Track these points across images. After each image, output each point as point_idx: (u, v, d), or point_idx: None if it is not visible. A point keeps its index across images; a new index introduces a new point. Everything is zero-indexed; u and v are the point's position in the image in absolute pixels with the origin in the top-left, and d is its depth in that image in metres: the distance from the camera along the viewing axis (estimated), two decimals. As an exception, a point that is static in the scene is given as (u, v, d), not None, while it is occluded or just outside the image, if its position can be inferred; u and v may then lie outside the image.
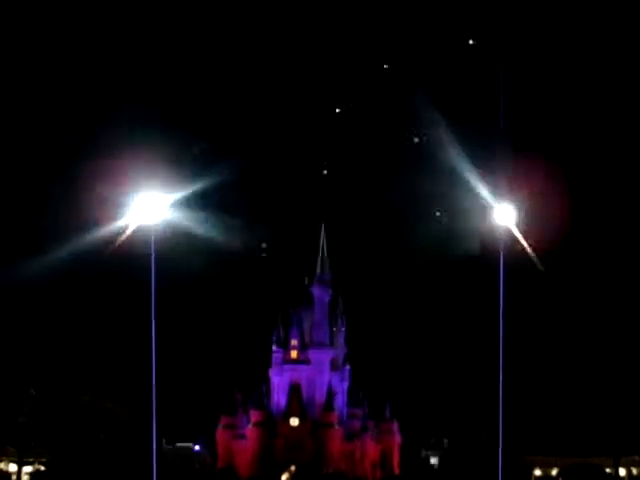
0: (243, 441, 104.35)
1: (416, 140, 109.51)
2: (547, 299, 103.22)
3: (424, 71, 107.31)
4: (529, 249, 61.30)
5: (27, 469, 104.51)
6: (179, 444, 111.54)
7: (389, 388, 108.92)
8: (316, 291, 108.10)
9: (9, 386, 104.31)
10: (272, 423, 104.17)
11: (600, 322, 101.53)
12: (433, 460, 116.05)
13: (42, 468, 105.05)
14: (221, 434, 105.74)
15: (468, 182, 79.18)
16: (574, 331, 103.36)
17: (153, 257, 51.81)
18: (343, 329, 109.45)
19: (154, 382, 51.55)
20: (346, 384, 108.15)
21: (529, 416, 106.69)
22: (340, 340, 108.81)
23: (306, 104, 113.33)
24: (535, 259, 66.54)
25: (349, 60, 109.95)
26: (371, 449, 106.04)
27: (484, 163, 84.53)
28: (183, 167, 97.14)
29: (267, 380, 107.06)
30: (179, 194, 61.15)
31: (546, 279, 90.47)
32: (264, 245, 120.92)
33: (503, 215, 54.03)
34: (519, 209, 54.27)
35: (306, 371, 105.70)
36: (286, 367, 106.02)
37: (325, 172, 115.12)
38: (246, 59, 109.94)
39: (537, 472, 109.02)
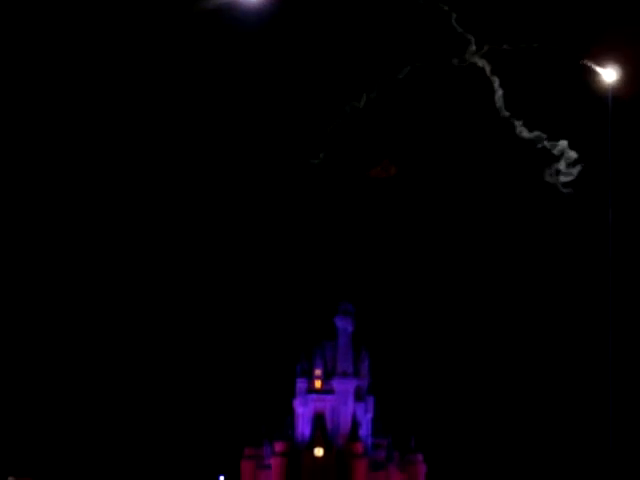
0: (268, 471, 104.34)
1: None
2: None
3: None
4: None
5: None
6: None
7: (413, 418, 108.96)
8: (339, 322, 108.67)
9: None
10: (297, 453, 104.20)
11: None
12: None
13: None
14: (246, 465, 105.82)
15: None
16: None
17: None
18: (366, 359, 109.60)
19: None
20: (370, 414, 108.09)
21: (557, 446, 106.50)
22: (364, 370, 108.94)
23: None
24: None
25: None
26: None
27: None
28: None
29: (291, 410, 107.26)
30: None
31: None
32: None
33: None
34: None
35: (330, 401, 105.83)
36: (310, 397, 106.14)
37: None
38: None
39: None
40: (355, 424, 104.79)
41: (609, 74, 60.99)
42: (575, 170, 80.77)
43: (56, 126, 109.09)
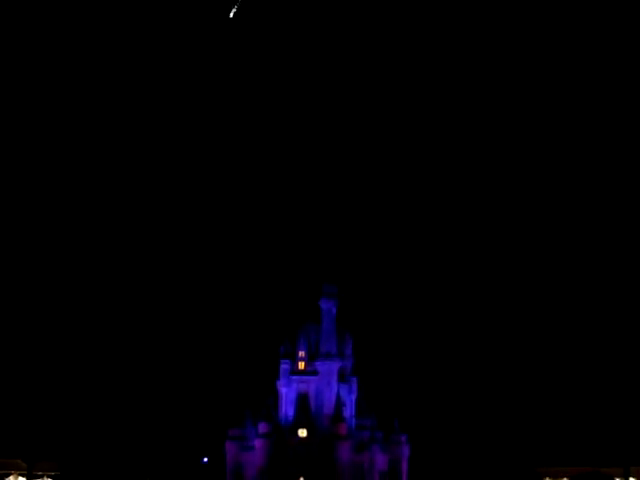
0: (251, 453, 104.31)
1: None
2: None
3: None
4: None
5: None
6: None
7: (397, 400, 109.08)
8: (323, 303, 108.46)
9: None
10: (280, 434, 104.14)
11: None
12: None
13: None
14: (230, 446, 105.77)
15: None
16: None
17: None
18: (350, 340, 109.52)
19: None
20: (354, 395, 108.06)
21: (540, 426, 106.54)
22: (347, 351, 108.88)
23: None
24: None
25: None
26: (380, 460, 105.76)
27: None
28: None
29: (275, 392, 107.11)
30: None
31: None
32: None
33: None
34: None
35: (314, 382, 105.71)
36: (294, 378, 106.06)
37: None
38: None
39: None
40: (339, 405, 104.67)
41: None
42: None
43: (54, 126, 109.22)
